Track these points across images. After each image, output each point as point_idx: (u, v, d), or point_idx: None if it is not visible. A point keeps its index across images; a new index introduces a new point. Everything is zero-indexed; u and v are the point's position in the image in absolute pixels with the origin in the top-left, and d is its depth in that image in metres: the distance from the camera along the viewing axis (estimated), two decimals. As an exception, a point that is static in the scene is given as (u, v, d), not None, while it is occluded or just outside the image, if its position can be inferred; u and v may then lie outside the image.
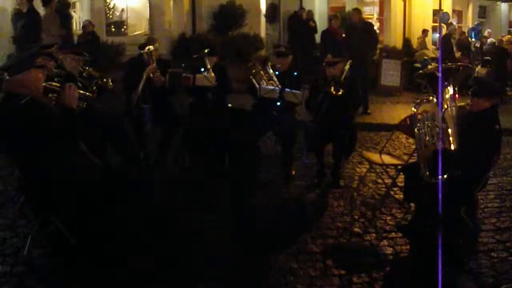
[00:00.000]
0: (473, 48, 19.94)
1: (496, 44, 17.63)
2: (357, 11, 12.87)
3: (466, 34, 21.33)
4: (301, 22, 16.17)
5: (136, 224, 5.34)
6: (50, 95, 5.01)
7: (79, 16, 16.45)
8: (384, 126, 10.78)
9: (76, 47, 7.04)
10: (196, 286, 4.50)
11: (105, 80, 6.89)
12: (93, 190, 4.68)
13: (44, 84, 4.92)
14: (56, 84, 5.20)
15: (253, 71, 7.46)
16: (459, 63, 6.07)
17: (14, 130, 4.57)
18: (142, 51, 7.38)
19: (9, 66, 4.93)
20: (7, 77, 4.81)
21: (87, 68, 6.83)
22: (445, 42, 15.70)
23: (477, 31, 21.64)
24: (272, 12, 18.68)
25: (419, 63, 16.76)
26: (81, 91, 5.70)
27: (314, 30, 16.06)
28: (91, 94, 6.12)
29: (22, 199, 5.60)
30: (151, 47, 7.31)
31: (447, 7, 21.17)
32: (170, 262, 4.82)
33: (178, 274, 4.67)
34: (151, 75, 7.18)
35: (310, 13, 16.68)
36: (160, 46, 8.29)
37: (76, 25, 16.21)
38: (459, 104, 5.25)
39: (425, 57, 16.96)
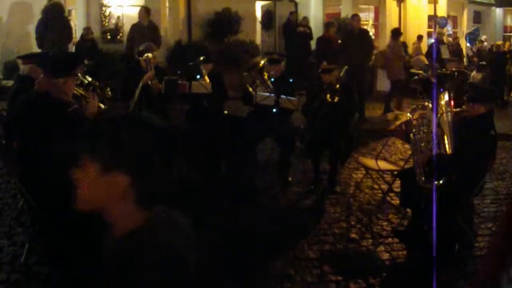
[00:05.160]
0: (469, 53, 20.04)
1: (494, 49, 17.68)
2: (357, 17, 12.92)
3: (461, 39, 21.44)
4: (294, 29, 16.20)
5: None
6: None
7: (75, 24, 16.45)
8: (380, 132, 10.81)
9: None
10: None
11: (104, 88, 6.90)
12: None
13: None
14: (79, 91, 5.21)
15: (249, 79, 7.49)
16: (454, 69, 6.11)
17: (45, 133, 4.53)
18: (140, 58, 7.38)
19: (58, 69, 4.78)
20: (42, 76, 4.76)
21: (87, 76, 6.84)
22: (437, 48, 15.82)
23: (474, 36, 21.74)
24: (268, 19, 18.72)
25: (415, 68, 16.78)
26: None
27: (309, 36, 16.09)
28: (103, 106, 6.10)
29: (19, 207, 5.60)
30: (149, 54, 7.31)
31: (442, 13, 21.24)
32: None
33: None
34: (149, 82, 7.18)
35: (305, 20, 16.71)
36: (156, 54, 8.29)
37: (74, 33, 16.24)
38: (454, 110, 5.27)
39: (426, 62, 16.97)
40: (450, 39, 20.87)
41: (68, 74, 4.71)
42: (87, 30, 13.64)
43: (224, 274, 4.81)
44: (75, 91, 5.07)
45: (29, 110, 4.65)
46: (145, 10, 12.70)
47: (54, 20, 11.65)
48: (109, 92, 6.95)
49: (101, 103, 6.63)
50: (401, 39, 20.24)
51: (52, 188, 4.56)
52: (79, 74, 6.54)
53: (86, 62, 7.11)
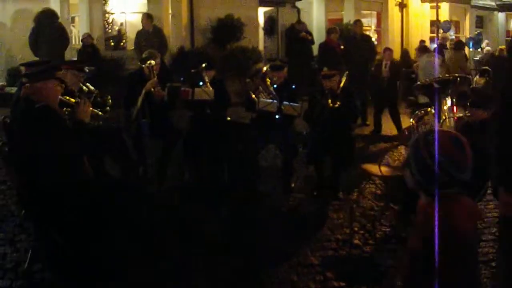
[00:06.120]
0: (475, 58, 20.06)
1: (497, 54, 17.67)
2: (359, 22, 12.95)
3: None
4: (298, 35, 16.23)
5: (136, 238, 5.34)
6: (64, 109, 5.14)
7: (78, 30, 16.51)
8: (383, 138, 10.81)
9: (78, 62, 7.10)
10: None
11: (104, 97, 6.92)
12: (92, 204, 4.70)
13: (60, 97, 5.05)
14: (70, 99, 5.30)
15: (252, 86, 7.49)
16: (457, 74, 6.11)
17: (26, 132, 4.64)
18: (143, 65, 7.37)
19: (32, 74, 5.01)
20: (27, 84, 4.98)
21: (87, 84, 6.87)
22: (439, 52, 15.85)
23: (476, 40, 21.74)
24: (270, 25, 18.75)
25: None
26: (94, 110, 5.81)
27: (311, 42, 16.12)
28: (102, 114, 6.16)
29: (22, 214, 5.61)
30: (152, 61, 7.30)
31: (444, 18, 21.27)
32: (169, 275, 4.83)
33: (178, 287, 4.68)
34: (152, 90, 7.18)
35: (304, 26, 16.74)
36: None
37: (76, 40, 16.28)
38: (457, 115, 5.27)
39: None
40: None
41: (45, 78, 4.86)
42: (85, 36, 13.69)
43: (227, 279, 4.81)
44: (64, 98, 5.19)
45: (14, 116, 4.90)
46: (147, 17, 12.80)
47: (45, 28, 11.68)
48: (110, 100, 6.97)
49: (102, 110, 6.69)
50: (404, 45, 20.42)
51: (44, 192, 4.63)
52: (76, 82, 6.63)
53: (87, 69, 7.12)
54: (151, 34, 12.55)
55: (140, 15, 16.15)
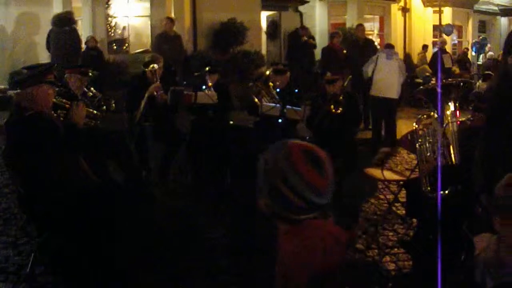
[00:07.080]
0: (478, 62, 20.08)
1: (500, 58, 17.68)
2: (362, 27, 12.97)
3: (469, 48, 21.43)
4: (300, 40, 16.25)
5: (138, 240, 5.34)
6: (59, 111, 5.14)
7: (81, 34, 16.52)
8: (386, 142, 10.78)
9: (83, 66, 7.11)
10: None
11: (108, 100, 6.94)
12: (94, 207, 4.70)
13: (54, 100, 5.04)
14: (66, 101, 5.30)
15: (255, 90, 7.49)
16: (459, 79, 6.10)
17: (18, 142, 4.65)
18: (146, 69, 7.38)
19: (21, 80, 5.00)
20: (18, 90, 4.98)
21: (91, 88, 6.89)
22: (438, 57, 15.87)
23: (481, 45, 21.74)
24: (273, 29, 18.78)
25: (420, 78, 16.80)
26: (90, 110, 5.81)
27: (314, 46, 16.13)
28: (99, 113, 6.17)
29: (24, 217, 5.62)
30: (155, 65, 7.31)
31: (447, 22, 21.27)
32: (171, 278, 4.82)
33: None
34: (155, 93, 7.19)
35: (307, 31, 16.75)
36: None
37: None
38: (460, 119, 5.26)
39: (427, 73, 16.98)
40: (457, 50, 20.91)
41: (33, 83, 4.81)
42: (89, 39, 13.70)
43: (228, 282, 4.81)
44: (57, 101, 5.21)
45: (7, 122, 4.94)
46: (170, 21, 12.86)
47: (57, 32, 11.74)
48: (113, 105, 6.98)
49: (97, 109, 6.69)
50: (406, 49, 20.42)
51: (42, 195, 4.64)
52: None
53: (90, 73, 7.13)
54: (172, 38, 12.59)
55: (142, 19, 16.18)
